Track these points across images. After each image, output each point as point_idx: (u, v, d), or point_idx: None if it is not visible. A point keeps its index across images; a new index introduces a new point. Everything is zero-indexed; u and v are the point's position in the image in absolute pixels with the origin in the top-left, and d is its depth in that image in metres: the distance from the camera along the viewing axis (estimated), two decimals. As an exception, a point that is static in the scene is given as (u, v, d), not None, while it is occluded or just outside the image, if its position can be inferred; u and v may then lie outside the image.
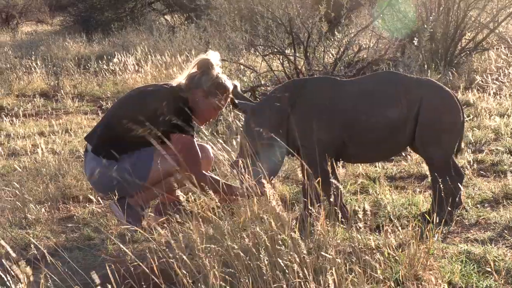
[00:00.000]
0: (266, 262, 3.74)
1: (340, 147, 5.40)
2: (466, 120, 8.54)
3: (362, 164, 6.73)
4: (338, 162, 5.75)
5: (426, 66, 11.01)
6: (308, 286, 3.69)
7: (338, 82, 5.64)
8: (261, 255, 3.80)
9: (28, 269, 3.63)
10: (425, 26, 10.63)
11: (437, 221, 4.66)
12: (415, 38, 10.42)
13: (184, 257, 3.84)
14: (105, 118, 5.74)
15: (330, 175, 4.86)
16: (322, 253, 3.96)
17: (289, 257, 3.81)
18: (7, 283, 3.71)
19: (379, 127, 5.35)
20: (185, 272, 3.76)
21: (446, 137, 5.45)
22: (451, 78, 10.94)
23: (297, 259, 3.78)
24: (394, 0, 12.03)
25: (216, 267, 3.82)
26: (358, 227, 4.25)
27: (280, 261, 3.81)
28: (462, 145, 5.95)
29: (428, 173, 6.65)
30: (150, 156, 5.46)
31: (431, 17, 11.17)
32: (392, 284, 4.15)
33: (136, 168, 5.42)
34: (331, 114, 5.35)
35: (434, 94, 5.50)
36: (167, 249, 4.03)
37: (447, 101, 5.52)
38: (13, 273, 3.68)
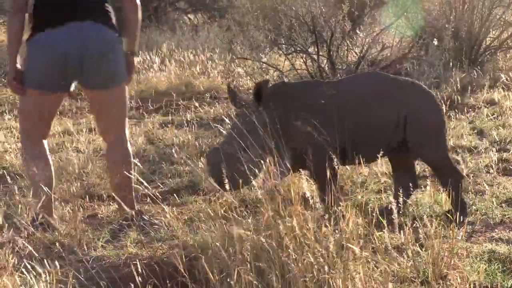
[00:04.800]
0: (293, 258, 3.74)
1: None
2: (491, 119, 8.50)
3: (385, 163, 6.70)
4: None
5: (451, 64, 10.94)
6: (335, 282, 3.69)
7: (326, 85, 5.67)
8: (289, 250, 3.81)
9: (53, 268, 3.66)
10: (451, 25, 10.59)
11: (460, 219, 4.65)
12: (435, 38, 10.37)
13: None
14: None
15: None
16: (349, 245, 3.95)
17: (316, 254, 3.81)
18: (32, 281, 3.73)
19: (368, 129, 5.37)
20: (213, 270, 3.78)
21: (437, 136, 5.52)
22: (475, 76, 10.87)
23: (325, 255, 3.78)
24: (418, -1, 12.00)
25: (244, 264, 3.83)
26: (382, 225, 4.24)
27: (307, 257, 3.81)
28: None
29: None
30: None
31: (451, 17, 11.12)
32: (418, 283, 4.14)
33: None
34: (322, 117, 5.31)
35: (419, 95, 5.56)
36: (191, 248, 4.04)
37: (431, 101, 5.61)
38: (38, 272, 3.72)
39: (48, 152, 5.64)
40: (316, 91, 5.55)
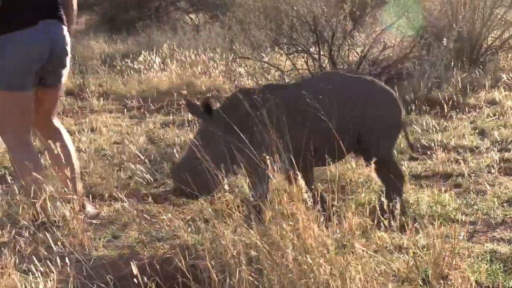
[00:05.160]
0: (291, 258, 3.74)
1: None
2: (492, 119, 8.50)
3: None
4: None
5: (451, 64, 10.93)
6: (335, 283, 3.69)
7: (286, 87, 5.74)
8: (288, 250, 3.80)
9: (55, 268, 3.67)
10: (454, 25, 10.58)
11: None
12: (444, 39, 10.36)
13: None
14: None
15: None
16: (352, 243, 3.95)
17: (316, 254, 3.81)
18: (36, 280, 3.74)
19: (324, 130, 5.35)
20: (213, 270, 3.78)
21: (391, 135, 5.58)
22: (477, 76, 10.87)
23: (326, 256, 3.78)
24: (420, -2, 12.00)
25: (243, 265, 3.83)
26: (383, 225, 4.24)
27: (307, 258, 3.81)
28: (411, 140, 6.19)
29: (454, 172, 6.65)
30: None
31: (460, 16, 11.11)
32: (419, 283, 4.14)
33: None
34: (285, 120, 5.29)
35: (379, 94, 5.59)
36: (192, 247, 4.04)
37: (388, 96, 5.63)
38: (41, 271, 3.72)
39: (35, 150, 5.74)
40: (275, 95, 5.55)
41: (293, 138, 5.21)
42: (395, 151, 5.59)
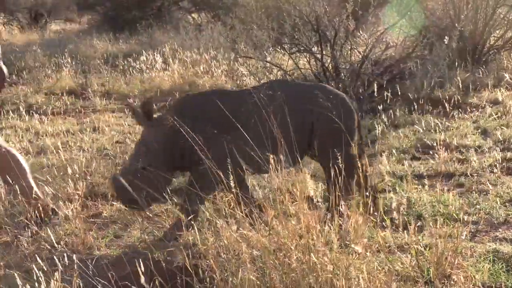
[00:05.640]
0: (295, 257, 3.74)
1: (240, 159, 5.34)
2: (494, 118, 8.49)
3: (389, 163, 6.70)
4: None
5: (453, 64, 10.92)
6: (339, 282, 3.69)
7: (233, 94, 5.74)
8: (291, 248, 3.81)
9: (58, 267, 3.67)
10: (456, 25, 10.57)
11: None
12: (446, 37, 10.34)
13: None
14: None
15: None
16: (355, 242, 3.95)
17: (319, 253, 3.81)
18: (39, 279, 3.74)
19: (281, 135, 5.32)
20: (215, 269, 3.78)
21: (346, 138, 5.38)
22: (479, 76, 10.86)
23: (328, 255, 3.78)
24: (422, -2, 11.99)
25: (246, 264, 3.84)
26: (386, 225, 4.24)
27: (311, 256, 3.81)
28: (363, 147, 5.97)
29: (457, 171, 6.65)
30: None
31: (462, 16, 11.10)
32: (422, 282, 4.14)
33: None
34: (229, 126, 5.30)
35: (329, 98, 5.51)
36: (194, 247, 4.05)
37: (342, 103, 5.56)
38: (44, 270, 3.73)
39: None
40: (223, 101, 5.51)
41: (234, 145, 5.23)
42: (351, 155, 5.39)
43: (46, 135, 9.24)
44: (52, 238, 5.30)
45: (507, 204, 5.77)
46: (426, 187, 6.26)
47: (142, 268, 3.65)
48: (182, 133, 5.16)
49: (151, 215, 5.53)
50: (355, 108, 5.63)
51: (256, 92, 5.65)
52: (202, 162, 5.10)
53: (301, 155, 5.45)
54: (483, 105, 9.40)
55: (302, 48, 10.60)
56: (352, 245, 3.93)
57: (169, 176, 5.45)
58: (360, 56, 10.26)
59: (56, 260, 3.87)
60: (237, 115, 5.37)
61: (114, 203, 6.24)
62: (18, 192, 5.61)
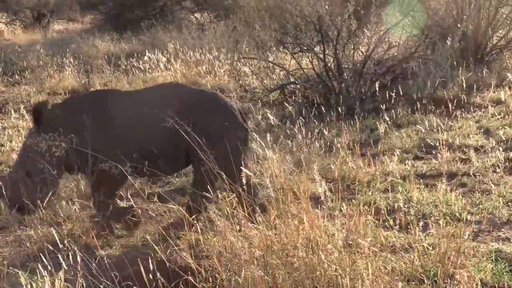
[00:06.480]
0: (301, 255, 3.75)
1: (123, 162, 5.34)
2: (497, 118, 8.48)
3: (392, 163, 6.70)
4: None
5: (456, 63, 10.91)
6: (343, 281, 3.69)
7: (119, 95, 5.74)
8: (297, 246, 3.81)
9: (61, 267, 3.68)
10: (458, 25, 10.56)
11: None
12: (449, 38, 10.33)
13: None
14: None
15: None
16: (358, 242, 3.95)
17: (325, 253, 3.81)
18: (42, 279, 3.75)
19: (158, 141, 5.33)
20: (220, 268, 3.79)
21: (231, 147, 5.33)
22: (482, 75, 10.85)
23: (335, 254, 3.79)
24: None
25: (249, 263, 3.84)
26: (388, 225, 4.25)
27: (318, 254, 3.81)
28: (249, 157, 5.93)
29: (459, 171, 6.64)
30: None
31: (464, 16, 11.09)
32: (425, 281, 4.15)
33: None
34: (112, 128, 5.32)
35: (215, 107, 5.53)
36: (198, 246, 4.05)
37: (229, 112, 5.55)
38: (48, 270, 3.73)
39: None
40: (107, 103, 5.54)
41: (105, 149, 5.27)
42: (237, 164, 5.18)
43: (49, 134, 9.23)
44: (56, 237, 5.32)
45: (510, 204, 5.77)
46: (429, 187, 6.26)
47: (145, 268, 3.66)
48: (68, 136, 5.24)
49: (153, 215, 5.53)
50: (245, 119, 5.64)
51: (142, 94, 5.64)
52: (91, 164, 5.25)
53: (182, 160, 5.49)
54: (485, 105, 9.39)
55: (304, 48, 10.60)
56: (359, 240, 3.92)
57: (55, 180, 5.45)
58: (363, 56, 10.26)
59: (60, 259, 3.87)
60: (117, 115, 5.38)
61: (117, 203, 6.25)
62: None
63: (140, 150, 5.33)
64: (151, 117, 5.30)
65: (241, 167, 4.76)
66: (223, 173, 4.62)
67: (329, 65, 10.00)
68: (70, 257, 4.11)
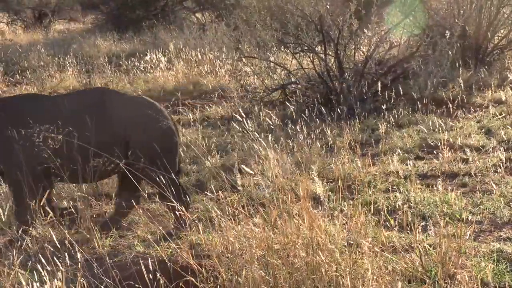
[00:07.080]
0: (302, 256, 3.75)
1: (46, 168, 5.34)
2: (498, 118, 8.48)
3: (393, 163, 6.69)
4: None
5: (457, 64, 10.91)
6: (344, 281, 3.69)
7: (42, 100, 5.72)
8: (297, 247, 3.81)
9: (62, 267, 3.68)
10: (456, 20, 10.55)
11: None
12: (447, 32, 10.32)
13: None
14: None
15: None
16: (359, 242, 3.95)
17: (325, 253, 3.81)
18: (42, 279, 3.75)
19: (84, 147, 5.26)
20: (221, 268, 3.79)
21: (165, 156, 5.35)
22: (483, 75, 10.85)
23: (336, 254, 3.79)
24: (426, -3, 11.98)
25: (250, 263, 3.84)
26: (389, 225, 4.24)
27: (318, 255, 3.81)
28: (182, 165, 6.01)
29: (460, 171, 6.64)
30: None
31: (461, 11, 11.09)
32: (426, 282, 4.14)
33: None
34: (33, 133, 5.25)
35: (146, 115, 5.48)
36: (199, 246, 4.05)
37: (160, 120, 5.51)
38: (48, 270, 3.73)
39: None
40: (30, 106, 5.51)
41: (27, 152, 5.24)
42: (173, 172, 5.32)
43: (50, 134, 9.23)
44: (57, 237, 5.32)
45: (511, 204, 5.77)
46: (430, 187, 6.26)
47: (146, 268, 3.66)
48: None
49: (154, 215, 5.53)
50: (176, 127, 5.69)
51: (69, 99, 5.61)
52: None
53: (115, 168, 5.41)
54: (486, 105, 9.38)
55: (305, 48, 10.60)
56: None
57: None
58: (364, 56, 10.26)
59: (61, 259, 3.87)
60: (37, 120, 5.30)
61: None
62: None
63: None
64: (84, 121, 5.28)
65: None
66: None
67: (330, 65, 9.99)
68: (71, 256, 4.12)
